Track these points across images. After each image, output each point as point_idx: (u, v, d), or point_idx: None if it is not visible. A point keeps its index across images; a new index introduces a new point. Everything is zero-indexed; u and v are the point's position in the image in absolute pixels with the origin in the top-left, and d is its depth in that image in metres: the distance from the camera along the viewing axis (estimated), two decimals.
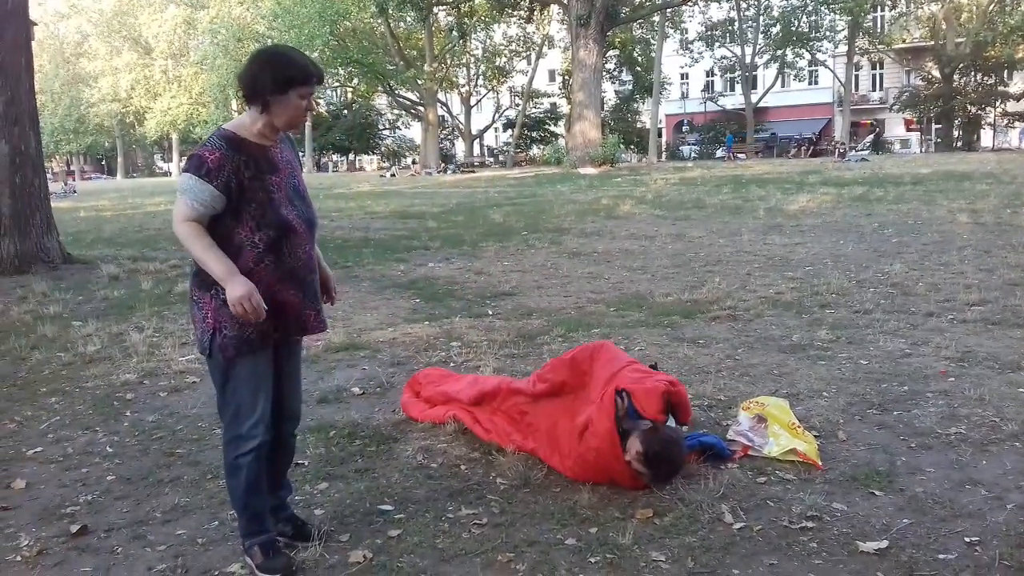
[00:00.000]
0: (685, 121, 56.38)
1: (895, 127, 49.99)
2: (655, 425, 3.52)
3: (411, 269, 9.82)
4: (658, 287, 8.17)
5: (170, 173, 67.37)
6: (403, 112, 57.94)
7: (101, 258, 10.85)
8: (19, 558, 3.09)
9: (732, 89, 54.23)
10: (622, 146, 39.63)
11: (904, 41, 48.00)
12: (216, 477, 3.79)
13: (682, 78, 56.42)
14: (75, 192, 33.67)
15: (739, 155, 44.78)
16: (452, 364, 5.49)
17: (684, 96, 56.31)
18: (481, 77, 55.55)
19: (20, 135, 9.49)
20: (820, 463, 3.65)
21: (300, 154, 3.21)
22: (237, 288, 2.67)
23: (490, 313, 7.21)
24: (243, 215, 2.76)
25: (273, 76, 2.73)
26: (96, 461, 4.07)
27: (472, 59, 53.66)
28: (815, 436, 3.92)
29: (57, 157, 71.60)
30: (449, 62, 49.54)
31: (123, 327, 6.92)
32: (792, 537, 3.04)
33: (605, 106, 49.34)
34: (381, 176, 41.99)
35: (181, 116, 57.63)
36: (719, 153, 47.50)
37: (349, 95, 62.20)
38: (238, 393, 2.85)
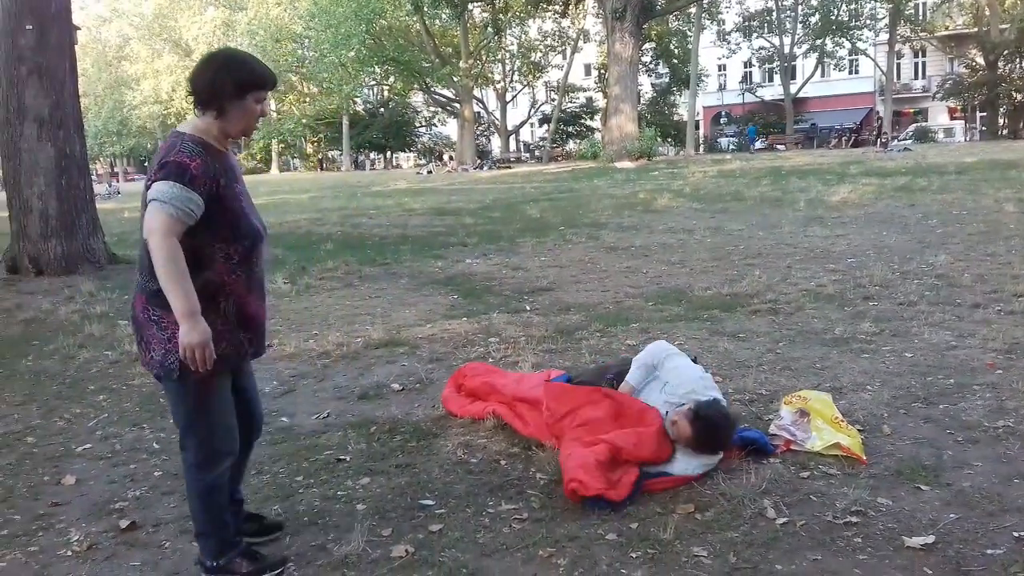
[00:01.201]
0: (723, 113, 55.84)
1: (939, 116, 49.01)
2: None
3: (449, 265, 9.86)
4: (697, 281, 8.11)
5: None
6: (439, 109, 58.10)
7: None
8: (70, 553, 3.17)
9: (770, 80, 53.56)
10: (659, 139, 39.31)
11: (947, 28, 47.01)
12: (260, 472, 3.85)
13: (719, 69, 55.84)
14: (119, 193, 34.23)
15: (778, 145, 44.23)
16: (491, 360, 5.51)
17: (722, 88, 55.76)
18: (516, 73, 55.51)
19: (65, 138, 9.69)
20: (864, 457, 3.60)
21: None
22: (197, 334, 2.54)
23: (528, 308, 7.22)
24: (218, 226, 2.65)
25: (232, 79, 2.65)
26: (143, 457, 4.15)
27: (507, 55, 53.63)
28: (859, 430, 3.87)
29: (101, 159, 72.99)
30: (484, 58, 49.50)
31: None
32: (836, 532, 3.01)
33: (641, 99, 49.01)
34: (418, 173, 42.15)
35: None
36: (758, 145, 46.96)
37: (385, 93, 62.51)
38: (212, 412, 2.76)
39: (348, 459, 3.94)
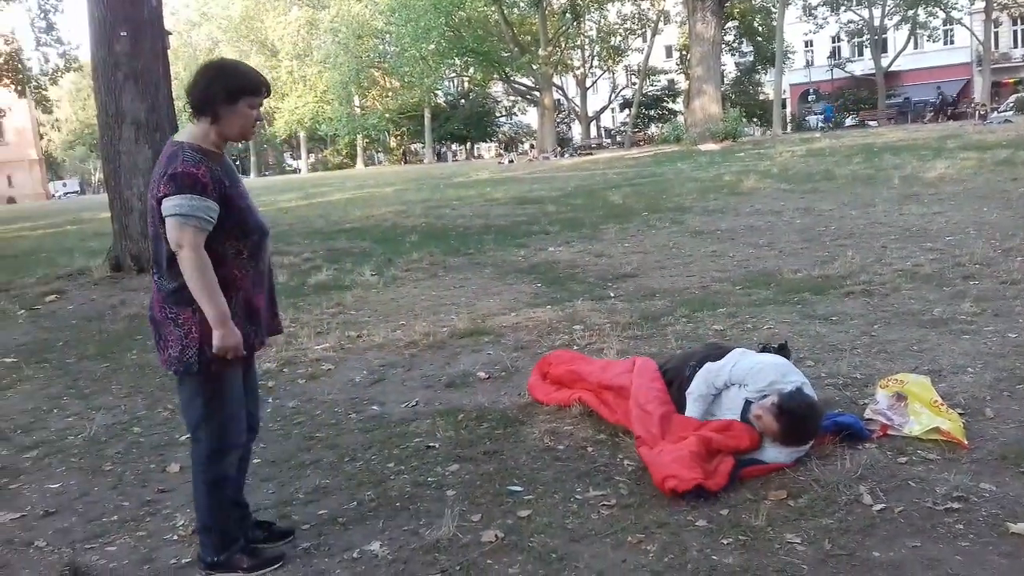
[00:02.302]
0: (811, 90, 54.23)
1: None
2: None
3: (532, 254, 9.88)
4: (786, 263, 7.93)
5: (299, 170, 69.93)
6: (519, 98, 58.13)
7: None
8: (175, 537, 3.32)
9: (860, 54, 51.77)
10: (744, 120, 38.47)
11: None
12: (353, 459, 3.95)
13: (806, 46, 54.20)
14: None
15: (870, 121, 42.75)
16: (576, 347, 5.50)
17: (809, 64, 54.15)
18: (596, 58, 55.03)
19: (161, 140, 10.02)
20: (966, 442, 3.47)
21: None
22: (231, 337, 2.73)
23: (612, 295, 7.18)
24: (228, 225, 2.77)
25: (224, 86, 2.76)
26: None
27: (586, 40, 53.20)
28: (960, 414, 3.72)
29: None
30: (563, 45, 49.27)
31: None
32: (937, 519, 2.91)
33: (725, 79, 48.06)
34: (499, 163, 42.31)
35: (307, 114, 59.70)
36: (848, 122, 45.47)
37: (466, 84, 62.94)
38: (225, 405, 2.88)
39: (437, 446, 4.00)
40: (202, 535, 3.00)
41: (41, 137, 67.57)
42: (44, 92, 28.43)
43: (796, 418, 3.41)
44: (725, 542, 2.88)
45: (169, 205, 2.66)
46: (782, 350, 4.74)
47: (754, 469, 3.40)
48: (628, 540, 2.95)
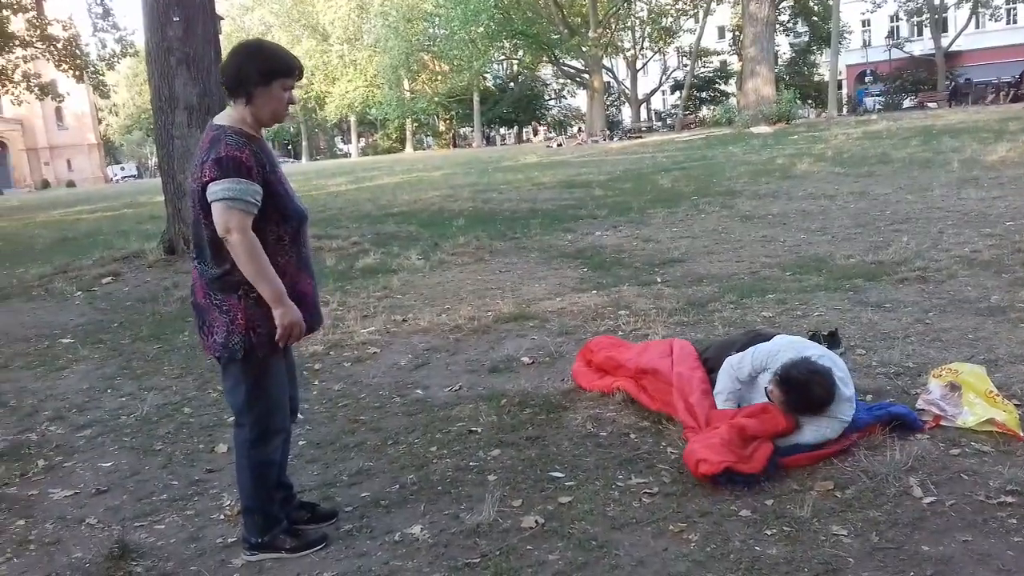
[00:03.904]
0: (868, 71, 52.94)
1: None
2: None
3: (578, 238, 9.83)
4: (839, 249, 7.76)
5: (349, 155, 70.51)
6: (568, 81, 57.82)
7: None
8: (222, 516, 3.37)
9: (919, 34, 50.36)
10: (798, 101, 37.71)
11: None
12: (396, 443, 3.97)
13: (863, 25, 52.92)
14: None
15: (929, 103, 41.61)
16: (620, 333, 5.46)
17: (866, 44, 52.82)
18: (647, 39, 54.32)
19: None
20: (1021, 434, 3.37)
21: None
22: (291, 313, 2.74)
23: (659, 280, 7.11)
24: (269, 210, 2.75)
25: (258, 67, 2.74)
26: None
27: (637, 21, 52.54)
28: (1016, 405, 3.61)
29: None
30: (614, 26, 48.72)
31: None
32: (989, 513, 2.83)
33: (779, 60, 47.14)
34: (548, 147, 42.11)
35: (357, 99, 60.16)
36: (906, 103, 44.32)
37: (514, 67, 62.71)
38: (270, 390, 2.90)
39: (480, 431, 4.00)
40: (246, 517, 3.04)
41: (99, 122, 69.22)
42: (101, 77, 29.05)
43: (799, 383, 3.36)
44: (769, 533, 2.84)
45: (215, 189, 2.66)
46: (832, 337, 4.68)
47: (798, 458, 3.34)
48: (670, 529, 2.93)
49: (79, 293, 8.92)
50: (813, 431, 3.40)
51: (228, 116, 2.81)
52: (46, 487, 3.83)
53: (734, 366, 3.77)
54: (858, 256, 7.31)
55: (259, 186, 2.71)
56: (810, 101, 50.60)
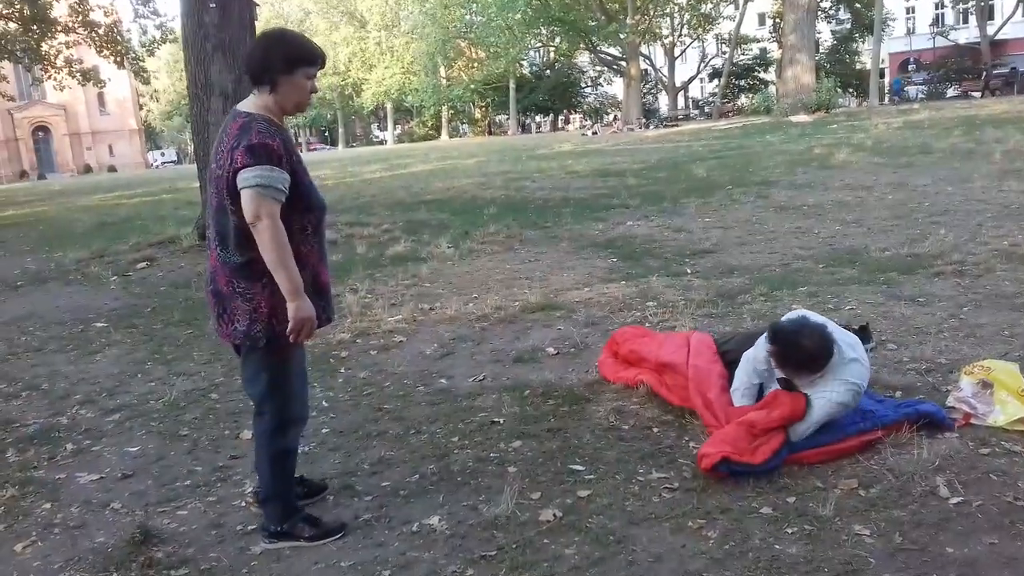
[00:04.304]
0: (911, 59, 51.89)
1: None
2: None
3: (609, 228, 9.76)
4: (874, 241, 7.62)
5: (385, 142, 70.74)
6: (605, 68, 57.41)
7: None
8: (243, 504, 3.40)
9: (965, 21, 49.23)
10: (839, 90, 37.10)
11: None
12: (418, 432, 3.98)
13: (907, 12, 51.90)
14: None
15: (973, 92, 40.73)
16: (648, 324, 5.41)
17: (910, 32, 51.82)
18: (685, 26, 53.70)
19: None
20: None
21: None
22: (306, 309, 2.74)
23: (688, 272, 7.03)
24: (294, 199, 2.75)
25: (282, 55, 2.74)
26: (313, 415, 4.31)
27: (675, 8, 51.95)
28: None
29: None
30: (652, 13, 48.16)
31: (339, 289, 7.30)
32: (1017, 515, 2.76)
33: (820, 48, 46.38)
34: (583, 135, 41.90)
35: (394, 86, 60.28)
36: (950, 92, 43.40)
37: (551, 55, 62.41)
38: (291, 379, 2.92)
39: (502, 422, 3.99)
40: (265, 505, 3.08)
41: (140, 108, 70.08)
42: (142, 63, 29.37)
43: (788, 334, 3.37)
44: (789, 531, 2.80)
45: (247, 176, 2.64)
46: (862, 331, 4.59)
47: (815, 453, 3.28)
48: (688, 525, 2.89)
49: (114, 277, 9.05)
50: (821, 399, 3.32)
51: (253, 103, 2.80)
52: (73, 471, 3.90)
53: (750, 360, 3.72)
54: (893, 249, 7.18)
55: (287, 175, 2.71)
56: (851, 90, 49.74)
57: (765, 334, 3.60)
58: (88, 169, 65.66)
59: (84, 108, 67.95)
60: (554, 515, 3.02)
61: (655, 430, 3.74)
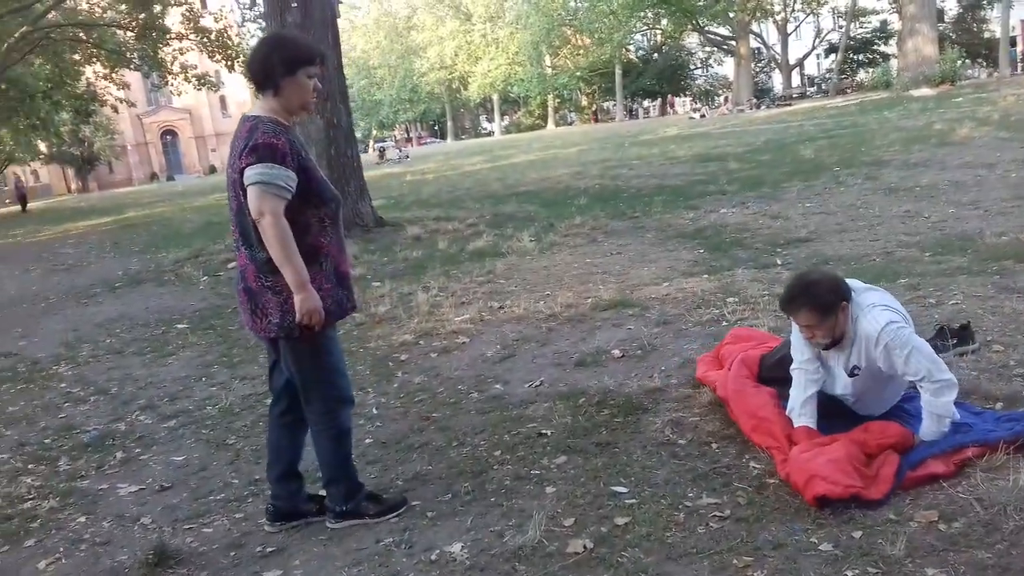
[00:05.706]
0: None
1: None
2: None
3: (700, 216, 9.28)
4: (990, 225, 6.92)
5: (493, 133, 71.03)
6: (714, 49, 55.85)
7: (410, 220, 11.50)
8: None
9: None
10: (965, 61, 34.81)
11: None
12: (461, 444, 3.75)
13: None
14: (408, 158, 36.36)
15: None
16: (725, 323, 5.01)
17: None
18: (798, 1, 51.57)
19: (332, 110, 10.28)
20: None
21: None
22: (313, 300, 2.78)
23: (778, 263, 6.55)
24: (308, 194, 2.81)
25: (282, 58, 2.82)
26: (361, 423, 4.19)
27: None
28: None
29: (398, 126, 78.69)
30: None
31: (413, 287, 7.18)
32: None
33: (944, 17, 43.66)
34: (690, 118, 40.80)
35: (500, 77, 60.36)
36: None
37: (658, 38, 61.14)
38: (332, 361, 2.99)
39: (549, 434, 3.71)
40: (329, 488, 3.13)
41: None
42: None
43: (795, 285, 3.21)
44: (849, 573, 2.41)
45: (251, 174, 2.72)
46: (963, 331, 4.09)
47: (918, 476, 2.87)
48: (733, 563, 2.54)
49: (205, 278, 9.22)
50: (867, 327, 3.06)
51: (260, 108, 2.89)
52: (116, 482, 3.86)
53: (795, 345, 3.36)
54: (1012, 233, 6.48)
55: (293, 172, 2.76)
56: (980, 60, 46.64)
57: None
58: (213, 170, 68.57)
59: (207, 111, 71.04)
60: (584, 546, 2.73)
61: (714, 446, 3.38)
